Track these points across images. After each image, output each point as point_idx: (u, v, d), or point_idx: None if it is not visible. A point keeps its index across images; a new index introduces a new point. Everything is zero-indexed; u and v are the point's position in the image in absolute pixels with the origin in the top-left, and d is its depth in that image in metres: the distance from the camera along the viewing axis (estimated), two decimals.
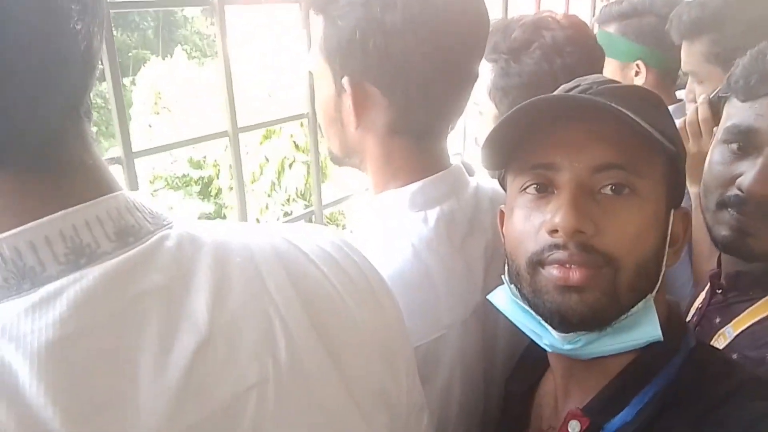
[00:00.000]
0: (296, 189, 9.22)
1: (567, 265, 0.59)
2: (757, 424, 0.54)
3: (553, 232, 0.59)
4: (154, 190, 11.61)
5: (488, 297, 0.71)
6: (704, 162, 1.02)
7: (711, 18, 1.26)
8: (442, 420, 0.77)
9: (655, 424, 0.60)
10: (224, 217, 10.11)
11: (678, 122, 1.14)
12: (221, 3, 0.88)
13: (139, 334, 0.40)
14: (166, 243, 0.43)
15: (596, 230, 0.59)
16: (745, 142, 0.78)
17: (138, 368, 0.39)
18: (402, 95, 0.75)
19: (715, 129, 1.04)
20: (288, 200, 9.30)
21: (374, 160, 0.81)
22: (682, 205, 0.68)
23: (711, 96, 1.15)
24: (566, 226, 0.58)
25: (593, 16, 1.96)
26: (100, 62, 0.42)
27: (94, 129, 0.45)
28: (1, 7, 0.34)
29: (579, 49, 1.06)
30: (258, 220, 9.53)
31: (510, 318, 0.68)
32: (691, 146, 1.11)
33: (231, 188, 9.84)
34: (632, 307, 0.60)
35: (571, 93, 0.66)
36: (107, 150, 12.84)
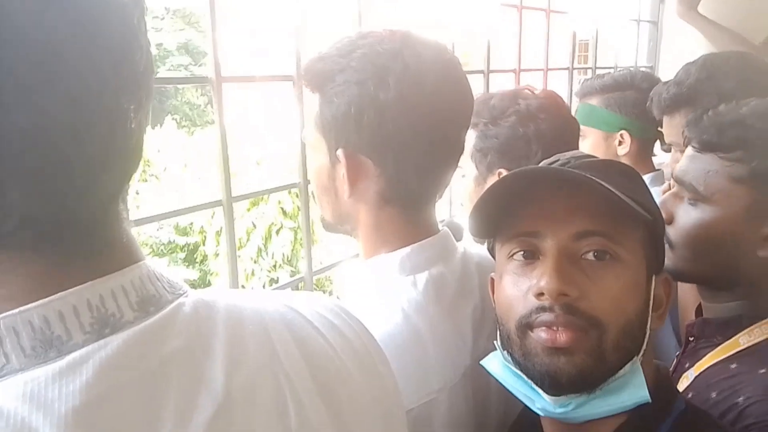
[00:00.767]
0: (283, 255, 9.20)
1: (554, 328, 0.62)
2: None
3: (540, 295, 0.63)
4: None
5: (482, 363, 0.73)
6: None
7: (687, 94, 1.38)
8: None
9: None
10: (209, 284, 9.99)
11: (663, 187, 1.21)
12: (218, 81, 0.93)
13: (161, 399, 0.41)
14: (183, 309, 0.45)
15: (580, 293, 0.62)
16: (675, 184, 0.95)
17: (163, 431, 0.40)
18: (393, 166, 0.79)
19: None
20: (275, 266, 9.25)
21: (365, 227, 0.84)
22: None
23: None
24: (551, 288, 0.61)
25: (570, 92, 2.07)
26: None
27: None
28: (79, 112, 0.36)
29: (551, 116, 1.18)
30: (243, 287, 9.42)
31: (503, 383, 0.69)
32: None
33: (217, 255, 9.79)
34: (619, 369, 0.63)
35: (552, 166, 0.71)
36: None
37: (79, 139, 0.37)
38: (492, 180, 1.17)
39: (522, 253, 0.67)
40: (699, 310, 0.97)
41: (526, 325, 0.64)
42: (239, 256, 9.42)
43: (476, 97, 1.20)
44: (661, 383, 0.68)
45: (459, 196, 1.31)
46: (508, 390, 0.69)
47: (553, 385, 0.62)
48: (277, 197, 8.97)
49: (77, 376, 0.38)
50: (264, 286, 9.25)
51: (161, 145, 12.96)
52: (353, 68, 0.75)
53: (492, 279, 0.74)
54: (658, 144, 1.72)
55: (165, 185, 12.13)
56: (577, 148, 1.25)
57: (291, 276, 8.67)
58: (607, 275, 0.63)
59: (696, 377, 0.89)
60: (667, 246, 0.86)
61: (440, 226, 0.90)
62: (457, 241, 1.41)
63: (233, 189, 1.07)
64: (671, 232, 0.92)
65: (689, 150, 0.91)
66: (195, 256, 10.93)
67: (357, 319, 0.60)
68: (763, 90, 1.32)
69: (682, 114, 1.38)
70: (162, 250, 11.88)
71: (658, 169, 1.70)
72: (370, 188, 0.80)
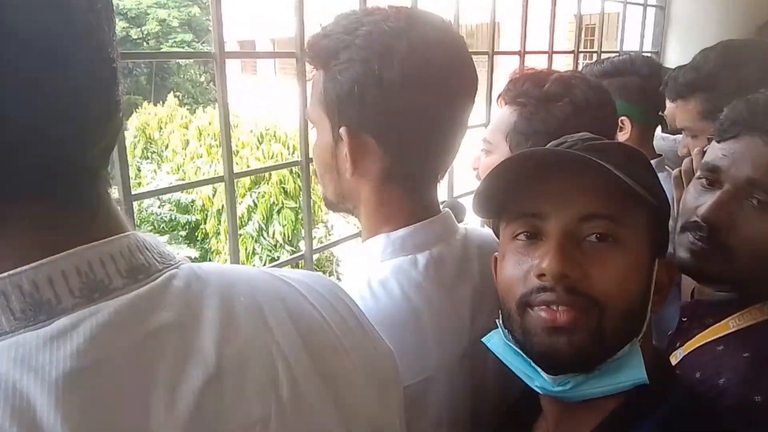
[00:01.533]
0: (283, 235, 9.21)
1: (554, 307, 0.62)
2: None
3: (541, 276, 0.63)
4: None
5: (483, 340, 0.73)
6: None
7: (705, 79, 1.37)
8: None
9: None
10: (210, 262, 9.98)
11: (675, 171, 1.21)
12: (222, 57, 0.93)
13: (152, 370, 0.41)
14: (174, 282, 0.46)
15: (582, 275, 0.62)
16: (711, 179, 0.89)
17: (150, 402, 0.40)
18: (396, 145, 0.79)
19: None
20: (275, 246, 9.26)
21: (367, 206, 0.84)
22: None
23: (704, 148, 1.23)
24: (553, 270, 0.62)
25: None
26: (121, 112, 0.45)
27: None
28: (51, 47, 0.37)
29: (602, 115, 1.12)
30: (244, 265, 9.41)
31: (503, 360, 0.70)
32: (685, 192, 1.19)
33: (217, 233, 9.81)
34: (618, 350, 0.63)
35: (558, 148, 0.71)
36: None
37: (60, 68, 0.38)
38: None
39: (525, 233, 0.67)
40: (692, 292, 0.98)
41: (526, 304, 0.65)
42: (240, 235, 9.44)
43: (519, 74, 1.17)
44: (660, 366, 0.69)
45: (479, 172, 1.25)
46: (507, 367, 0.70)
47: (551, 364, 0.63)
48: (279, 177, 8.95)
49: (68, 341, 0.39)
50: (264, 265, 9.27)
51: (163, 122, 12.93)
52: (358, 46, 0.74)
53: (495, 258, 0.75)
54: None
55: (167, 163, 12.12)
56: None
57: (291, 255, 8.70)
58: (610, 257, 0.64)
59: (684, 356, 0.90)
60: (707, 248, 0.84)
61: (442, 207, 0.90)
62: (459, 221, 1.41)
63: (236, 166, 1.07)
64: (732, 238, 0.84)
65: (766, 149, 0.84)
66: (196, 234, 10.94)
67: (349, 296, 0.61)
68: None
69: (697, 99, 1.39)
70: (163, 227, 11.90)
71: (660, 155, 1.69)
72: (372, 167, 0.80)
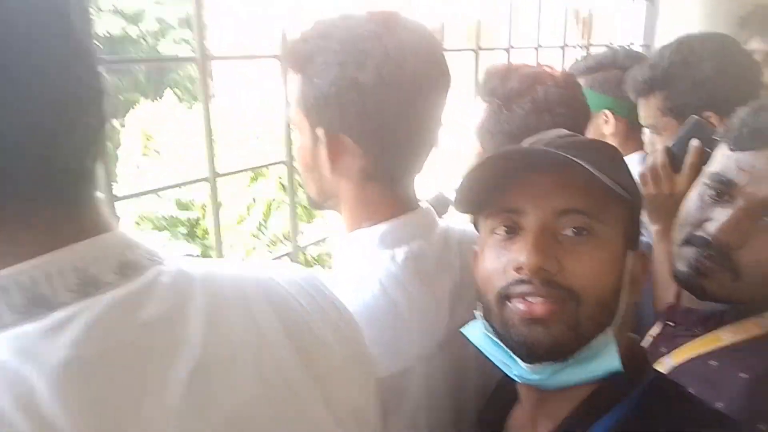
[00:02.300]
0: (283, 231, 9.22)
1: (531, 299, 0.65)
2: None
3: (519, 269, 0.66)
4: (141, 232, 11.53)
5: (462, 330, 0.76)
6: (663, 203, 1.11)
7: (662, 77, 1.37)
8: None
9: None
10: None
11: (641, 169, 1.22)
12: (204, 59, 0.95)
13: (143, 360, 0.45)
14: (162, 278, 0.49)
15: (559, 268, 0.65)
16: (722, 191, 0.84)
17: (144, 390, 0.44)
18: (374, 145, 0.81)
19: (682, 174, 1.15)
20: (274, 242, 9.28)
21: (348, 203, 0.87)
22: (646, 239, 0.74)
23: (669, 146, 1.24)
24: (530, 263, 0.64)
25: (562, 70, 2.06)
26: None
27: None
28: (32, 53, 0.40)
29: (569, 110, 1.12)
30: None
31: (482, 350, 0.73)
32: (652, 189, 1.19)
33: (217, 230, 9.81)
34: (593, 339, 0.66)
35: (535, 145, 0.73)
36: None
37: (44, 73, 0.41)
38: None
39: (504, 228, 0.70)
40: (678, 294, 0.96)
41: (504, 297, 0.67)
42: (240, 232, 9.46)
43: (492, 69, 1.18)
44: (634, 354, 0.71)
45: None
46: (486, 357, 0.72)
47: (529, 353, 0.66)
48: (278, 173, 8.95)
49: (66, 332, 0.42)
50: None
51: (162, 119, 12.91)
52: (334, 50, 0.77)
53: (475, 252, 0.78)
54: None
55: (166, 159, 12.12)
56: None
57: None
58: (585, 251, 0.66)
59: (674, 368, 0.88)
60: (714, 267, 0.82)
61: (425, 202, 0.92)
62: (445, 214, 1.43)
63: (234, 162, 1.09)
64: (740, 257, 0.81)
65: None
66: (195, 230, 10.95)
67: (329, 289, 0.64)
68: (739, 76, 1.33)
69: (658, 97, 1.39)
70: (163, 224, 11.91)
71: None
72: (352, 166, 0.83)
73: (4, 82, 0.39)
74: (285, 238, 9.46)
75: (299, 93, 0.82)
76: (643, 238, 0.99)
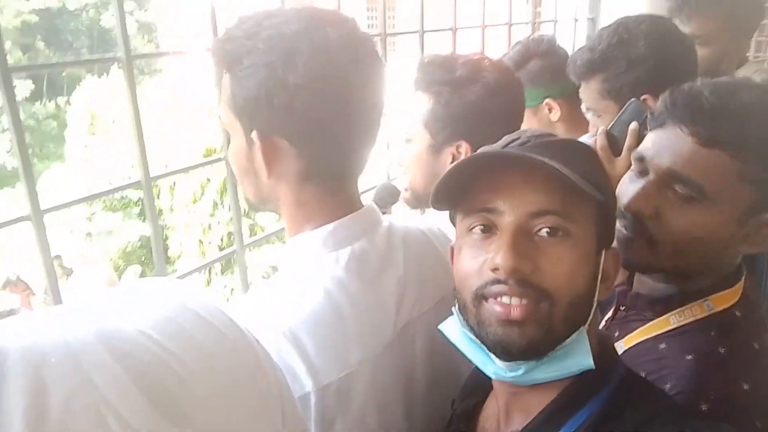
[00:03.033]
0: (241, 208, 9.11)
1: (507, 300, 0.66)
2: None
3: (495, 269, 0.67)
4: (92, 213, 11.25)
5: (439, 327, 0.77)
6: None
7: (599, 59, 1.38)
8: None
9: None
10: (166, 238, 9.86)
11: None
12: (129, 60, 0.91)
13: None
14: None
15: (534, 268, 0.66)
16: (641, 169, 0.89)
17: None
18: (310, 146, 0.79)
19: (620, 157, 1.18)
20: (230, 221, 9.17)
21: (288, 206, 0.85)
22: None
23: (608, 128, 1.26)
24: (506, 265, 0.65)
25: (509, 47, 2.07)
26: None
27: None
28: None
29: (511, 92, 1.18)
30: (201, 242, 9.36)
31: (458, 347, 0.74)
32: None
33: (172, 209, 9.63)
34: (567, 338, 0.67)
35: (511, 145, 0.74)
36: (41, 172, 12.35)
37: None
38: (450, 151, 1.16)
39: (480, 227, 0.70)
40: (630, 278, 0.98)
41: (481, 296, 0.68)
42: (195, 211, 9.32)
43: (428, 61, 1.19)
44: (604, 351, 0.74)
45: (401, 160, 1.27)
46: (462, 354, 0.73)
47: (505, 352, 0.67)
48: None
49: None
50: (222, 240, 9.20)
51: (109, 96, 12.48)
52: (260, 50, 0.74)
53: (452, 249, 0.78)
54: None
55: (115, 138, 11.75)
56: (520, 126, 1.22)
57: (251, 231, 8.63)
58: (560, 251, 0.67)
59: (625, 351, 0.90)
60: (631, 236, 0.86)
61: (375, 191, 0.91)
62: (393, 203, 1.42)
63: (186, 147, 1.05)
64: (655, 228, 0.85)
65: (688, 140, 0.83)
66: None
67: (216, 308, 0.58)
68: (675, 57, 1.35)
69: (597, 79, 1.40)
70: (115, 204, 11.63)
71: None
72: (289, 168, 0.81)
73: None
74: (244, 215, 9.37)
75: (229, 93, 0.79)
76: None
